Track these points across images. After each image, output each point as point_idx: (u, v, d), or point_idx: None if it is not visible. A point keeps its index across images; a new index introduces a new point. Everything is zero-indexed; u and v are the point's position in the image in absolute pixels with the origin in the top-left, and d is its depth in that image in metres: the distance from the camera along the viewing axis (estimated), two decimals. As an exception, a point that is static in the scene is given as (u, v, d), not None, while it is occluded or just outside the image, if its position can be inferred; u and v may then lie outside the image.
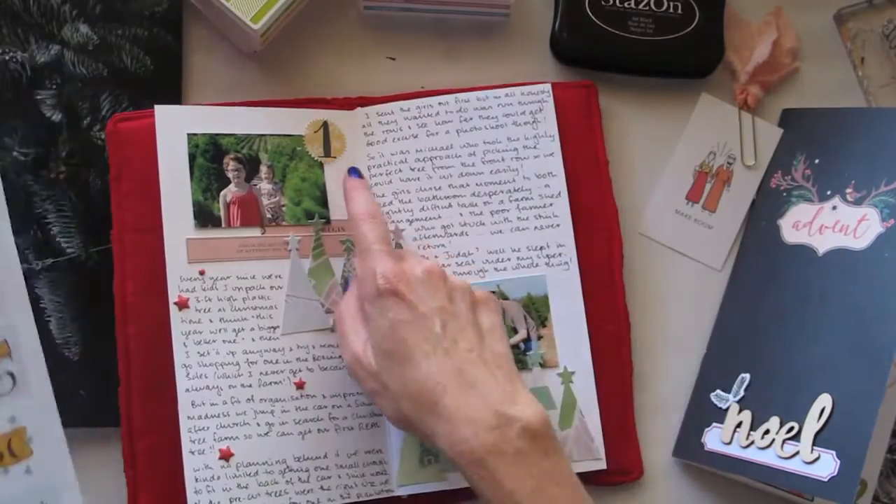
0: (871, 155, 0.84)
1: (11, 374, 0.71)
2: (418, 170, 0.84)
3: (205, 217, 0.80)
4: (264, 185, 0.82)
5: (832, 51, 0.93)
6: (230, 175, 0.82)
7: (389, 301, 0.70)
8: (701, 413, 0.85)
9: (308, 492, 0.78)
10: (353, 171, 0.83)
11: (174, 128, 0.81)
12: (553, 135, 0.85)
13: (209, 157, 0.81)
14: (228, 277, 0.80)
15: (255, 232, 0.81)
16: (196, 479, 0.76)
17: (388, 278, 0.70)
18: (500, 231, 0.83)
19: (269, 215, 0.82)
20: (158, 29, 0.86)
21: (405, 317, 0.70)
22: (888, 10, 0.93)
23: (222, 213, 0.81)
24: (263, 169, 0.83)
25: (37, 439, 0.71)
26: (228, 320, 0.79)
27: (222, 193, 0.81)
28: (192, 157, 0.81)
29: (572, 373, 0.82)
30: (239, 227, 0.81)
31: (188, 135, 0.81)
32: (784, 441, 0.79)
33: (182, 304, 0.78)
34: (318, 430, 0.79)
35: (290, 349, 0.80)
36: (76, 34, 0.85)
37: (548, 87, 0.86)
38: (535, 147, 0.85)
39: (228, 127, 0.82)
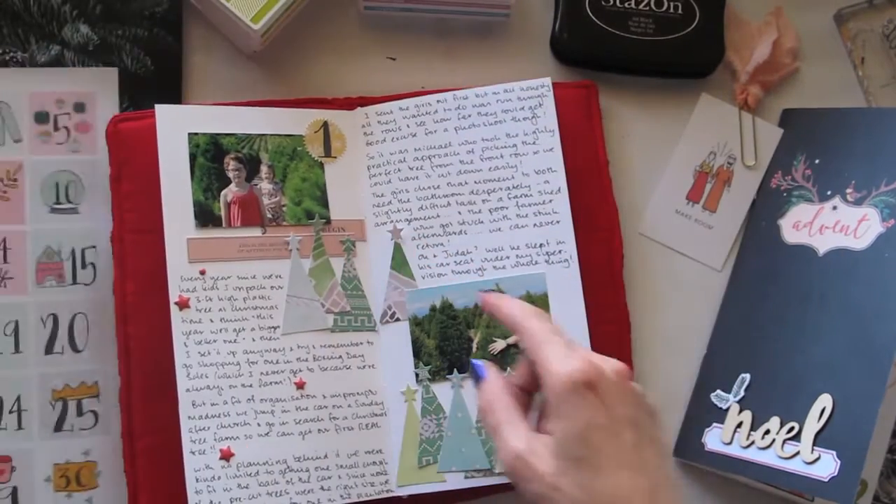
0: (871, 155, 0.84)
1: (95, 413, 0.82)
2: (417, 168, 0.84)
3: (205, 217, 0.80)
4: (265, 185, 0.82)
5: (832, 51, 0.93)
6: (231, 175, 0.82)
7: (585, 398, 0.62)
8: (701, 413, 0.85)
9: (308, 492, 0.78)
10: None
11: (175, 127, 0.81)
12: (553, 130, 0.85)
13: (210, 156, 0.81)
14: (229, 277, 0.80)
15: (255, 232, 0.81)
16: (197, 479, 0.76)
17: (583, 370, 0.62)
18: (500, 229, 0.83)
19: (269, 215, 0.82)
20: (158, 29, 0.86)
21: (601, 420, 0.61)
22: (888, 10, 0.93)
23: (223, 213, 0.81)
24: (264, 169, 0.83)
25: (104, 475, 0.81)
26: (229, 320, 0.79)
27: (223, 193, 0.81)
28: (192, 157, 0.81)
29: (572, 372, 0.82)
30: (239, 227, 0.81)
31: (189, 134, 0.81)
32: (784, 441, 0.79)
33: (183, 304, 0.78)
34: (319, 430, 0.79)
35: (291, 349, 0.80)
36: (76, 34, 0.85)
37: (547, 81, 0.86)
38: (534, 143, 0.84)
39: (229, 127, 0.82)
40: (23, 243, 0.82)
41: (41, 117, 0.84)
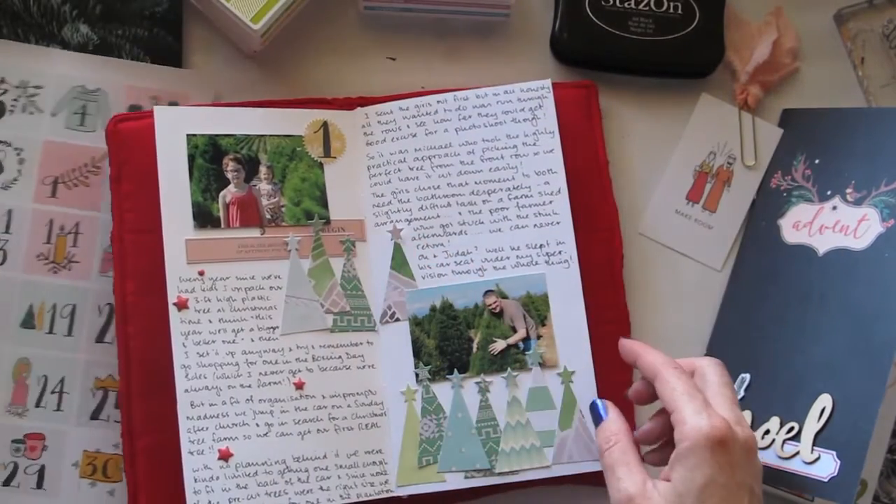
0: (871, 155, 0.84)
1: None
2: (417, 169, 0.84)
3: (204, 218, 0.80)
4: (264, 186, 0.82)
5: (832, 51, 0.93)
6: (229, 176, 0.82)
7: (714, 454, 0.62)
8: (701, 413, 0.85)
9: (307, 492, 0.78)
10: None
11: (173, 129, 0.81)
12: (553, 131, 0.85)
13: (208, 157, 0.81)
14: (228, 278, 0.80)
15: (254, 232, 0.81)
16: (195, 480, 0.76)
17: (720, 428, 0.63)
18: (500, 229, 0.83)
19: (268, 216, 0.82)
20: (158, 29, 0.86)
21: (722, 480, 0.62)
22: (888, 10, 0.93)
23: (221, 214, 0.81)
24: (263, 169, 0.83)
25: None
26: (228, 321, 0.79)
27: (221, 194, 0.81)
28: (191, 158, 0.81)
29: (572, 372, 0.82)
30: (238, 228, 0.81)
31: (187, 136, 0.81)
32: (784, 441, 0.79)
33: (181, 305, 0.78)
34: (318, 430, 0.79)
35: (290, 349, 0.80)
36: (76, 34, 0.85)
37: (548, 83, 0.86)
38: (534, 144, 0.84)
39: (228, 127, 0.82)
40: (94, 230, 0.83)
41: (134, 111, 0.84)
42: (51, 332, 0.82)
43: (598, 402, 0.73)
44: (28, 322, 0.82)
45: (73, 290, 0.83)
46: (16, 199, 0.83)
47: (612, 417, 0.71)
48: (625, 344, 0.74)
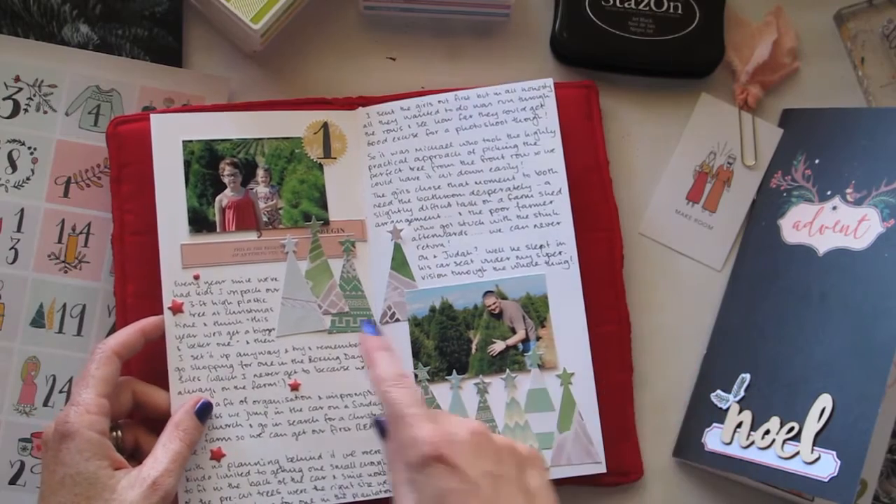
0: (871, 155, 0.84)
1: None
2: (417, 169, 0.84)
3: (199, 223, 0.81)
4: (261, 189, 0.82)
5: (832, 51, 0.93)
6: (226, 180, 0.82)
7: (436, 469, 0.64)
8: (701, 413, 0.85)
9: (301, 492, 0.78)
10: (368, 326, 0.79)
11: (170, 135, 0.81)
12: (554, 130, 0.85)
13: (204, 163, 0.82)
14: (223, 281, 0.80)
15: (250, 236, 0.82)
16: (187, 479, 0.77)
17: (433, 443, 0.65)
18: (500, 230, 0.83)
19: (265, 219, 0.82)
20: (158, 29, 0.86)
21: (453, 485, 0.64)
22: (888, 10, 0.92)
23: (217, 218, 0.81)
24: (260, 172, 0.83)
25: None
26: (223, 323, 0.79)
27: (218, 198, 0.82)
28: (187, 164, 0.81)
29: (571, 374, 0.82)
30: (234, 232, 0.81)
31: (184, 142, 0.81)
32: (784, 441, 0.79)
33: (176, 309, 0.79)
34: (313, 430, 0.79)
35: (286, 351, 0.80)
36: (76, 34, 0.85)
37: (549, 81, 0.86)
38: (535, 143, 0.84)
39: (224, 132, 0.82)
40: (105, 230, 0.84)
41: (148, 111, 0.84)
42: (60, 331, 0.82)
43: (380, 418, 0.73)
44: (38, 321, 0.82)
45: (83, 290, 0.83)
46: (28, 198, 0.83)
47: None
48: (363, 341, 0.77)
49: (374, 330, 0.78)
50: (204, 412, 0.76)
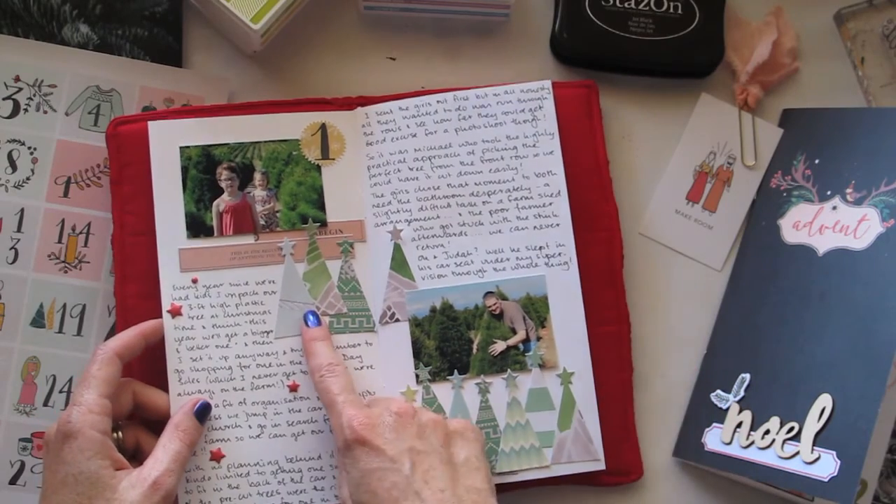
0: (871, 155, 0.84)
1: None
2: (417, 169, 0.84)
3: (197, 227, 0.81)
4: (258, 192, 0.82)
5: (832, 51, 0.93)
6: (223, 185, 0.82)
7: (358, 451, 0.70)
8: (701, 413, 0.85)
9: (301, 492, 0.78)
10: (311, 318, 0.80)
11: (167, 142, 0.81)
12: (553, 133, 0.85)
13: (202, 168, 0.82)
14: (221, 285, 0.80)
15: (248, 239, 0.82)
16: (186, 480, 0.77)
17: (353, 427, 0.71)
18: (500, 231, 0.83)
19: (262, 222, 0.82)
20: (158, 29, 0.86)
21: (374, 465, 0.69)
22: (888, 10, 0.92)
23: (215, 223, 0.81)
24: (257, 176, 0.83)
25: None
26: (221, 326, 0.79)
27: (215, 203, 0.82)
28: (184, 170, 0.81)
29: (571, 374, 0.82)
30: (232, 236, 0.81)
31: (181, 148, 0.81)
32: (784, 441, 0.79)
33: (175, 312, 0.79)
34: (312, 431, 0.79)
35: (284, 352, 0.80)
36: (76, 34, 0.85)
37: (548, 83, 0.86)
38: (534, 145, 0.84)
39: (221, 137, 0.82)
40: (105, 230, 0.84)
41: (148, 111, 0.85)
42: (60, 331, 0.82)
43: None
44: (38, 321, 0.82)
45: (83, 290, 0.83)
46: (28, 198, 0.83)
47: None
48: (303, 334, 0.80)
49: (316, 321, 0.80)
50: (203, 413, 0.77)
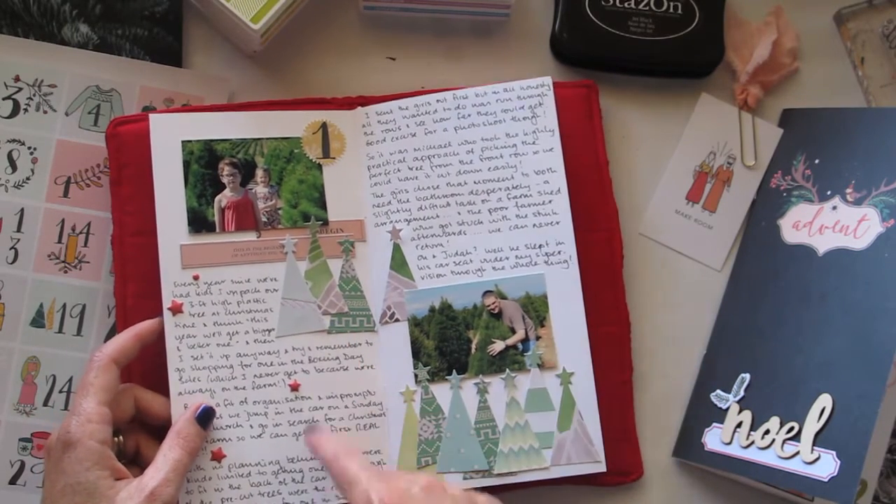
0: (871, 155, 0.84)
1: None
2: (416, 168, 0.84)
3: (199, 223, 0.81)
4: (260, 189, 0.82)
5: (832, 51, 0.93)
6: (225, 180, 0.82)
7: None
8: (701, 413, 0.85)
9: (302, 492, 0.78)
10: (311, 433, 0.78)
11: (169, 136, 0.81)
12: (553, 129, 0.85)
13: (204, 163, 0.81)
14: (223, 282, 0.80)
15: (250, 236, 0.82)
16: (188, 480, 0.77)
17: (385, 501, 0.66)
18: (499, 229, 0.83)
19: (264, 219, 0.82)
20: (158, 29, 0.86)
21: None
22: (888, 10, 0.92)
23: (217, 219, 0.81)
24: (259, 173, 0.83)
25: None
26: (222, 324, 0.79)
27: (217, 199, 0.81)
28: (186, 164, 0.81)
29: (571, 374, 0.82)
30: (234, 232, 0.81)
31: (183, 142, 0.81)
32: (784, 441, 0.79)
33: (176, 310, 0.79)
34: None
35: (286, 351, 0.80)
36: (76, 34, 0.85)
37: (548, 80, 0.86)
38: (534, 142, 0.84)
39: (223, 132, 0.82)
40: (105, 230, 0.84)
41: (148, 111, 0.84)
42: (60, 331, 0.82)
43: None
44: (38, 321, 0.82)
45: (83, 290, 0.83)
46: (28, 198, 0.83)
47: None
48: (308, 439, 0.78)
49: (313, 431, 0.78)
50: (206, 418, 0.76)
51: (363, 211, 0.84)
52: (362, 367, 0.81)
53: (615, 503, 0.85)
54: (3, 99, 0.83)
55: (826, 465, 0.76)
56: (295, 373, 0.80)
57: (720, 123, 0.91)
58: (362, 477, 0.69)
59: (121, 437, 0.74)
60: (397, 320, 0.82)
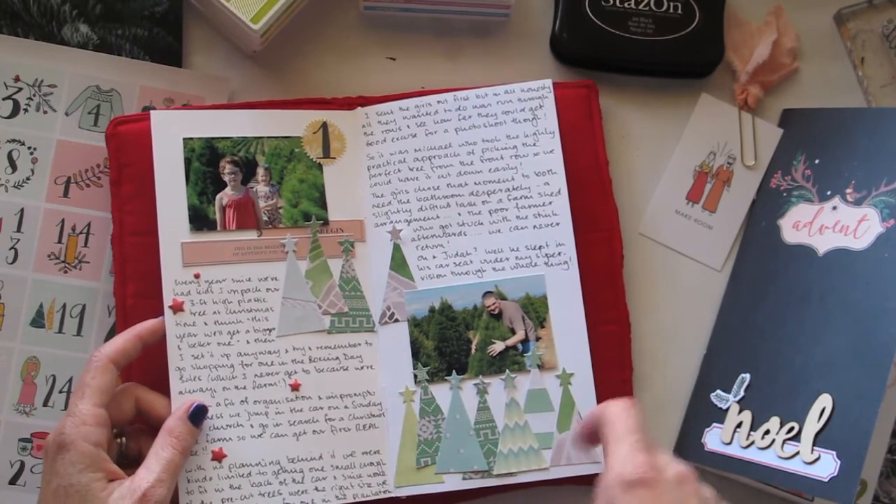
0: (871, 155, 0.84)
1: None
2: (417, 169, 0.84)
3: (200, 221, 0.81)
4: (261, 188, 0.82)
5: (832, 51, 0.93)
6: (226, 178, 0.82)
7: (638, 493, 0.63)
8: (701, 413, 0.85)
9: (302, 492, 0.78)
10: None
11: (170, 133, 0.81)
12: (553, 131, 0.85)
13: (205, 160, 0.81)
14: (224, 280, 0.80)
15: (251, 235, 0.82)
16: (188, 480, 0.76)
17: (637, 471, 0.64)
18: (499, 230, 0.83)
19: (265, 217, 0.82)
20: (158, 29, 0.86)
21: None
22: (888, 10, 0.92)
23: (218, 217, 0.81)
24: (260, 171, 0.83)
25: None
26: (223, 323, 0.79)
27: (218, 197, 0.81)
28: (187, 162, 0.81)
29: (571, 374, 0.82)
30: (235, 231, 0.81)
31: (184, 139, 0.81)
32: (784, 441, 0.79)
33: (177, 308, 0.79)
34: (314, 431, 0.79)
35: (286, 351, 0.80)
36: (76, 34, 0.85)
37: (548, 83, 0.86)
38: (534, 144, 0.84)
39: (224, 130, 0.82)
40: (105, 231, 0.84)
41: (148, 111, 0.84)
42: (60, 331, 0.82)
43: None
44: (38, 321, 0.82)
45: (83, 290, 0.83)
46: (28, 198, 0.83)
47: None
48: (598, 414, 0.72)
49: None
50: (197, 416, 0.76)
51: (363, 211, 0.84)
52: (362, 368, 0.81)
53: (615, 503, 0.85)
54: (3, 99, 0.83)
55: (826, 466, 0.76)
56: (295, 372, 0.80)
57: (720, 123, 0.91)
58: (630, 439, 0.66)
59: (123, 439, 0.74)
60: (397, 320, 0.82)
